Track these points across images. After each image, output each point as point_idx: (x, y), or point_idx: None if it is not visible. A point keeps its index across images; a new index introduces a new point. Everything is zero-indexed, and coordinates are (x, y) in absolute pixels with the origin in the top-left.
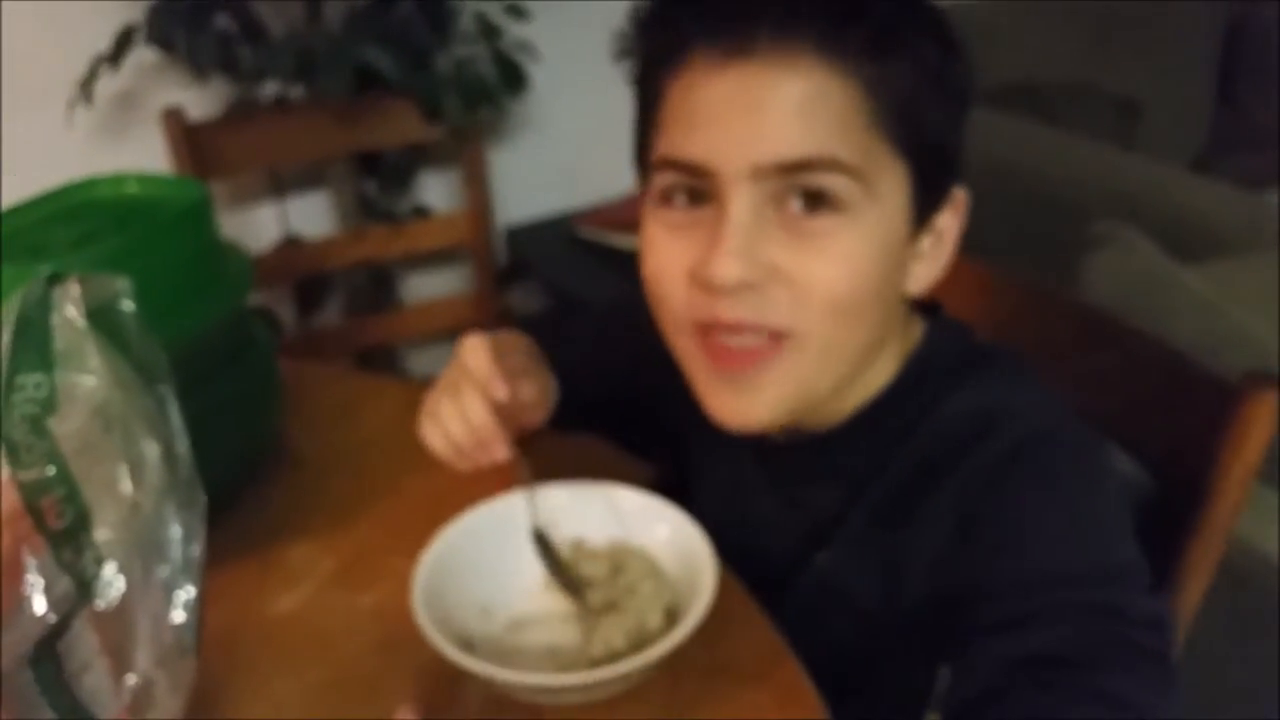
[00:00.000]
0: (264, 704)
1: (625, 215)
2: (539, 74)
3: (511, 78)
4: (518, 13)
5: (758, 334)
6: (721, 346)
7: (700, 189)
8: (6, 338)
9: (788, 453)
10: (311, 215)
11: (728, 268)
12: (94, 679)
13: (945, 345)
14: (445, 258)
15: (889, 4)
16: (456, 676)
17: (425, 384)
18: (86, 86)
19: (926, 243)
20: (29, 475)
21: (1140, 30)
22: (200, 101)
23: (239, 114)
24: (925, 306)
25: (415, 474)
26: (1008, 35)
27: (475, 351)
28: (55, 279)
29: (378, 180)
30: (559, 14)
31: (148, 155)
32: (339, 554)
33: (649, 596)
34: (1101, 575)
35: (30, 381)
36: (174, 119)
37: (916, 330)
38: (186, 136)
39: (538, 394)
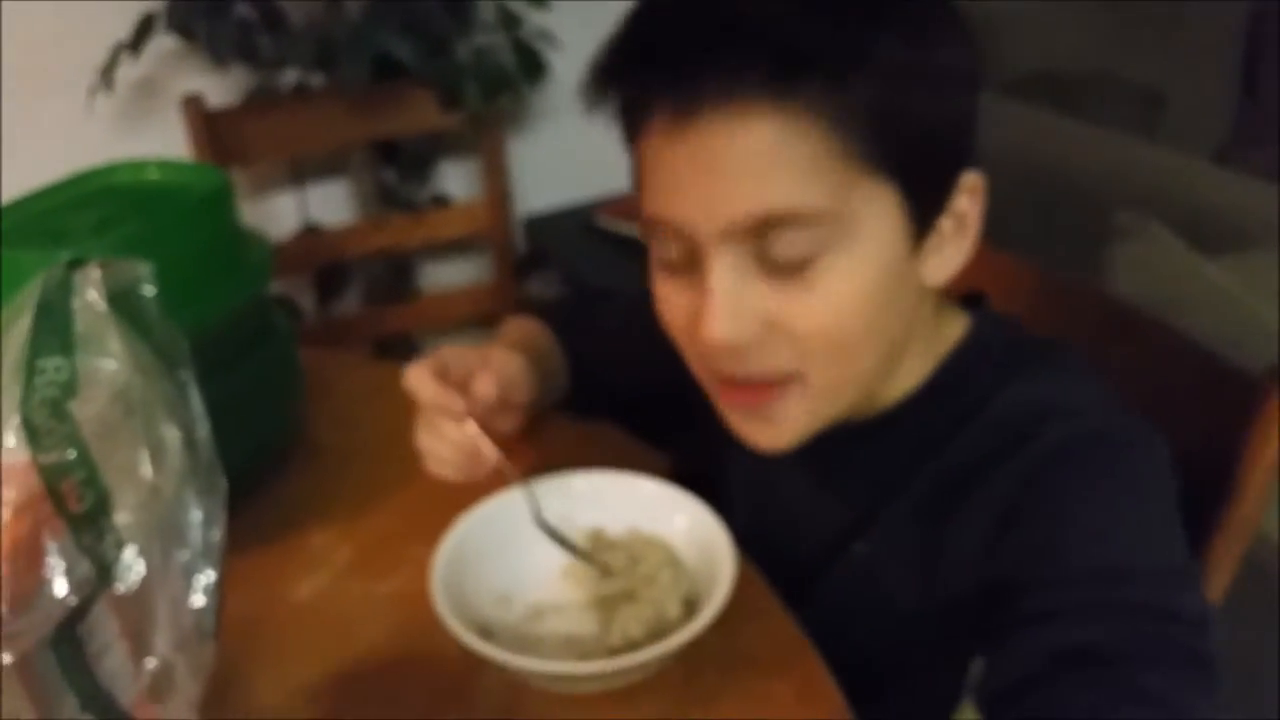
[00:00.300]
0: (283, 690)
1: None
2: (559, 62)
3: (531, 66)
4: (538, 1)
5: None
6: (731, 387)
7: (687, 245)
8: (27, 321)
9: (826, 444)
10: (331, 204)
11: (716, 331)
12: (113, 662)
13: (992, 339)
14: (464, 247)
15: (839, 31)
16: (475, 664)
17: None
18: (107, 73)
19: (947, 226)
20: (49, 458)
21: (1163, 21)
22: (220, 89)
23: (259, 102)
24: (967, 298)
25: None
26: (1029, 25)
27: (418, 381)
28: (76, 263)
29: (397, 169)
30: (579, 2)
31: (168, 142)
32: (358, 541)
33: (667, 586)
34: (1148, 574)
35: (51, 365)
36: (194, 106)
37: (958, 323)
38: (206, 124)
39: (496, 383)
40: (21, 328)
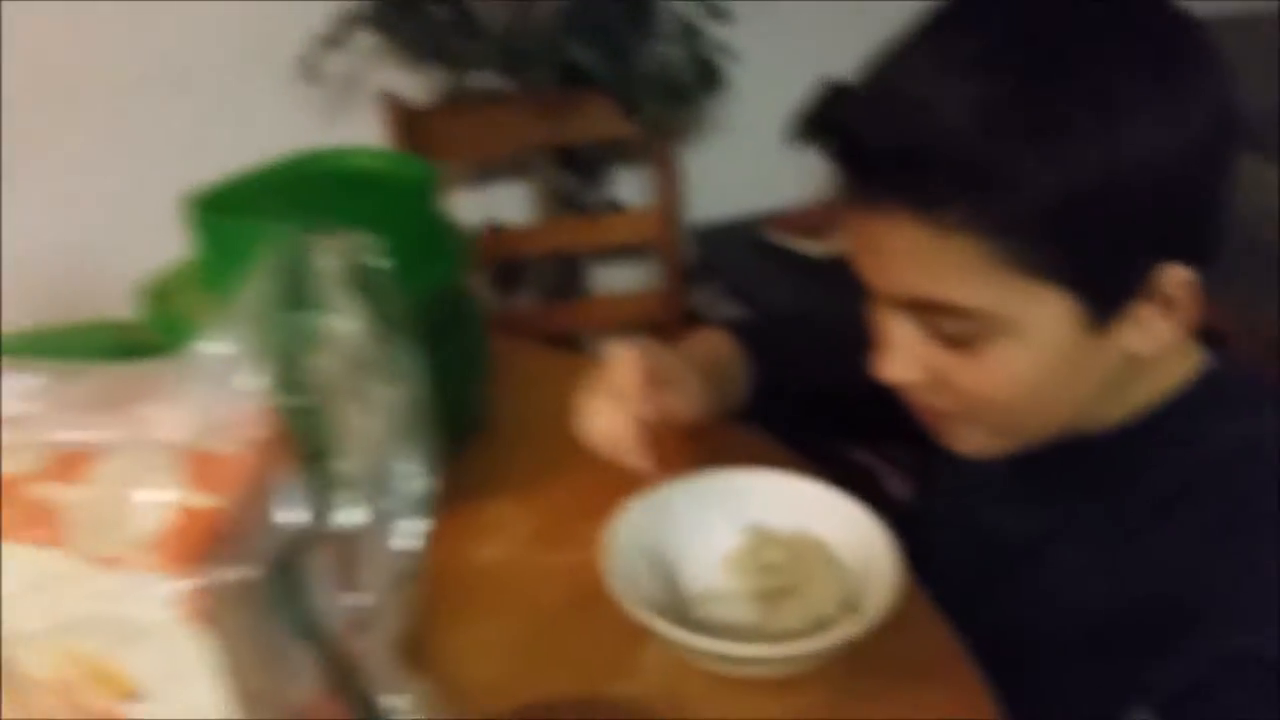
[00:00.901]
0: (463, 643)
1: (813, 221)
2: (737, 74)
3: (709, 78)
4: (719, 14)
5: None
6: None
7: None
8: (272, 280)
9: (1034, 450)
10: (510, 203)
11: (884, 372)
12: (324, 596)
13: (1223, 378)
14: (634, 252)
15: (996, 155)
16: (639, 640)
17: None
18: (308, 65)
19: (1145, 311)
20: (284, 404)
21: None
22: (415, 86)
23: (452, 102)
24: (1209, 335)
25: None
26: None
27: (624, 367)
28: (310, 233)
29: (574, 173)
30: (761, 15)
31: (361, 135)
32: (535, 515)
33: (825, 586)
34: None
35: (291, 321)
36: (391, 102)
37: (1189, 360)
38: (402, 120)
39: (684, 401)
40: (267, 286)
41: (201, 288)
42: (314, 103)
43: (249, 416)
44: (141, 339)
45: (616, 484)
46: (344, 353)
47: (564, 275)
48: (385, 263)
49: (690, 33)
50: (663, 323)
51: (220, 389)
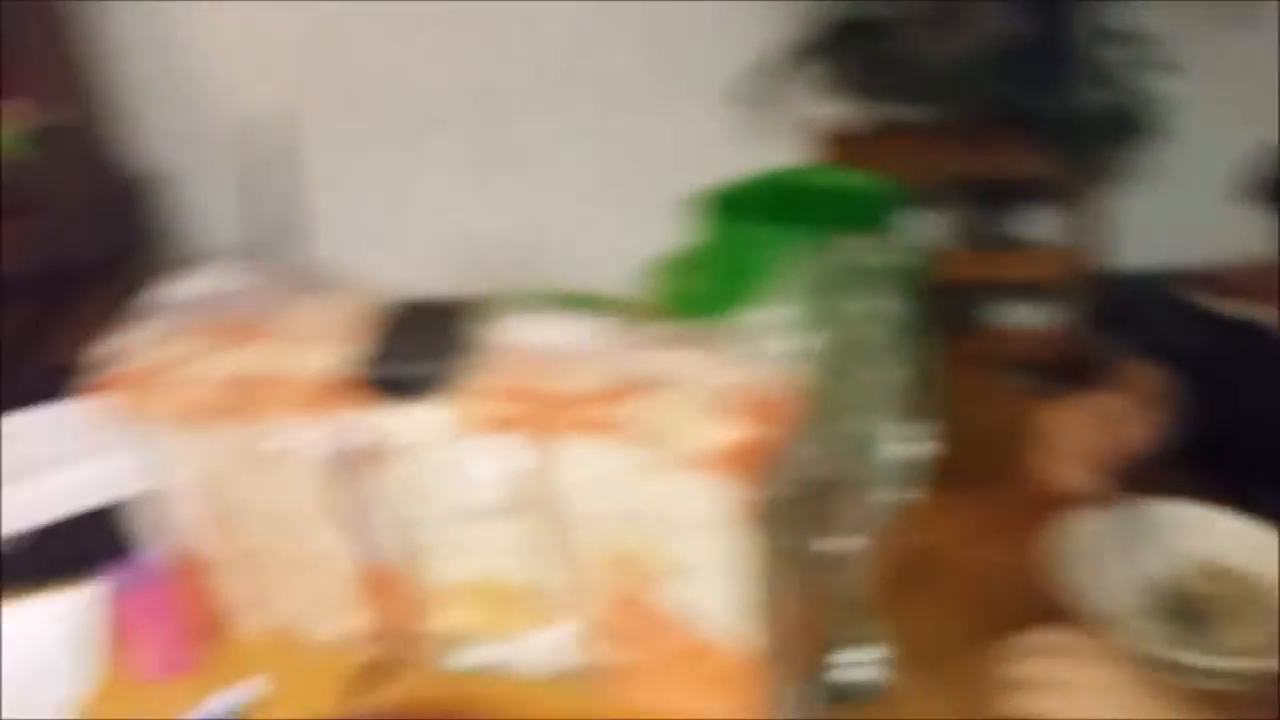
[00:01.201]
0: (903, 609)
1: (1229, 281)
2: (1172, 121)
3: (1140, 124)
4: (1164, 66)
5: None
6: None
7: None
8: (799, 270)
9: None
10: (919, 230)
11: None
12: (813, 534)
13: None
14: (1037, 290)
15: None
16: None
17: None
18: (746, 91)
19: None
20: (797, 375)
21: None
22: (842, 113)
23: (877, 130)
24: None
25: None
26: None
27: (1077, 424)
28: (821, 238)
29: (988, 206)
30: (1203, 66)
31: (779, 156)
32: (966, 514)
33: (1251, 618)
34: None
35: (801, 308)
36: (821, 128)
37: None
38: (831, 145)
39: (1131, 436)
40: (796, 274)
41: (710, 272)
42: (736, 124)
43: (784, 374)
44: (634, 309)
45: (1048, 498)
46: (856, 333)
47: (965, 306)
48: (888, 261)
49: (1127, 79)
50: (1062, 363)
51: (761, 349)
